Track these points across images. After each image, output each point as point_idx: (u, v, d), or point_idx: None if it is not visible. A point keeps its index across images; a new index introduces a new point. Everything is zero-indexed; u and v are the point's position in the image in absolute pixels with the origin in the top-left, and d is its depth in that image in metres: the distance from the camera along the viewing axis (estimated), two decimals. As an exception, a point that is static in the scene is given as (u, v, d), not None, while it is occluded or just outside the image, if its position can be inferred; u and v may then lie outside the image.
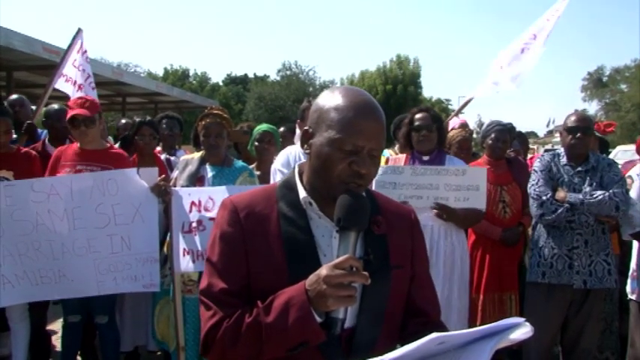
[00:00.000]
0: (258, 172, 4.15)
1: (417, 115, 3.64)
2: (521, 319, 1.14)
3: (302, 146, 1.44)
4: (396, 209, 1.55)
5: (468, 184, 3.43)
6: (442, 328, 1.45)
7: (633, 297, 3.58)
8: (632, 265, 3.63)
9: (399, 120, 4.80)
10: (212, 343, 1.34)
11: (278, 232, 1.38)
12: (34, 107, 5.12)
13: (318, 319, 1.23)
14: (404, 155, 3.81)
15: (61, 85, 5.31)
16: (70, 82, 5.26)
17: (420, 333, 1.12)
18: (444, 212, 3.41)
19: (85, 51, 5.42)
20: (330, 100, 1.37)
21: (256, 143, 4.34)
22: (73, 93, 4.96)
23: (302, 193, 1.42)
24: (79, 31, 5.41)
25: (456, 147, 4.54)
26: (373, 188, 3.46)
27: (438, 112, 3.89)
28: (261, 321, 1.26)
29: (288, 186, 1.45)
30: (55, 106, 4.70)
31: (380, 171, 3.56)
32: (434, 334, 1.06)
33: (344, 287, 1.20)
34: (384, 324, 1.40)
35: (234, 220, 1.40)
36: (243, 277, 1.36)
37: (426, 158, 3.61)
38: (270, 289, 1.31)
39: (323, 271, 1.22)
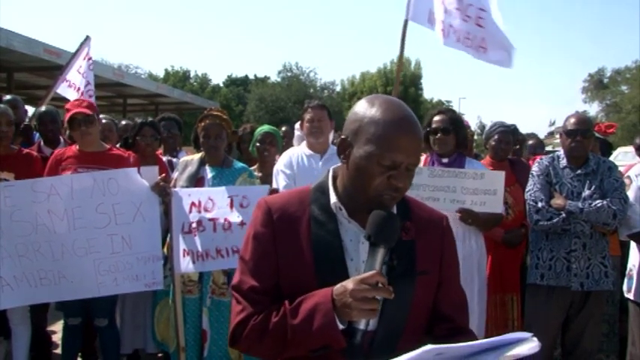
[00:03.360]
0: (259, 174, 4.15)
1: (435, 118, 3.61)
2: (527, 334, 1.13)
3: (338, 155, 1.46)
4: (428, 215, 1.56)
5: (485, 188, 3.38)
6: (468, 334, 1.47)
7: (630, 296, 3.58)
8: (629, 264, 3.63)
9: None
10: (239, 337, 1.42)
11: (308, 234, 1.43)
12: (31, 109, 5.13)
13: (341, 326, 1.29)
14: (423, 156, 3.77)
15: (63, 90, 5.32)
16: (73, 87, 5.28)
17: (445, 338, 1.14)
18: (469, 217, 3.38)
19: (90, 58, 5.43)
20: (369, 111, 1.39)
21: (257, 144, 4.34)
22: (63, 91, 5.02)
23: (333, 198, 1.46)
24: (87, 38, 5.43)
25: None
26: None
27: (459, 115, 3.82)
28: (288, 322, 1.33)
29: (321, 190, 1.49)
30: (44, 108, 4.70)
31: None
32: (428, 346, 1.06)
33: (368, 301, 1.25)
34: (406, 328, 1.42)
35: (267, 221, 1.46)
36: (273, 275, 1.43)
37: (445, 160, 3.58)
38: (298, 289, 1.37)
39: (350, 285, 1.27)
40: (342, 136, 1.45)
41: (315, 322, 1.29)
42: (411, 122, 1.38)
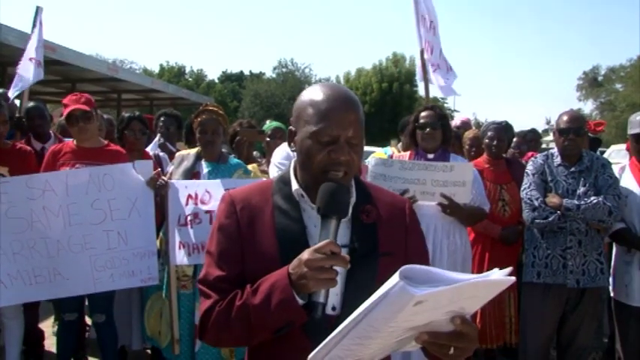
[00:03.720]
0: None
1: (423, 113, 3.64)
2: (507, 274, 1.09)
3: (289, 145, 1.51)
4: (389, 199, 1.59)
5: (454, 179, 3.42)
6: None
7: (612, 294, 3.61)
8: (612, 263, 3.66)
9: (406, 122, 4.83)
10: (207, 326, 1.42)
11: (271, 222, 1.45)
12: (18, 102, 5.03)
13: (301, 302, 1.29)
14: (408, 152, 3.80)
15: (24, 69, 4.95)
16: (33, 62, 4.94)
17: None
18: (448, 207, 3.40)
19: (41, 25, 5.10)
20: (306, 97, 1.45)
21: (268, 139, 4.38)
22: (36, 74, 4.78)
23: (294, 186, 1.49)
24: (39, 10, 5.05)
25: (467, 145, 4.57)
26: (368, 179, 3.50)
27: (444, 111, 3.87)
28: (249, 303, 1.33)
29: (284, 180, 1.53)
30: (32, 103, 4.65)
31: (372, 162, 3.58)
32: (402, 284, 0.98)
33: (324, 270, 1.24)
34: None
35: (230, 212, 1.48)
36: (238, 265, 1.44)
37: (430, 156, 3.60)
38: (263, 277, 1.36)
39: (304, 255, 1.27)
40: (289, 127, 1.50)
41: (273, 300, 1.29)
42: (344, 97, 1.41)
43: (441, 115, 3.68)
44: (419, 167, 3.46)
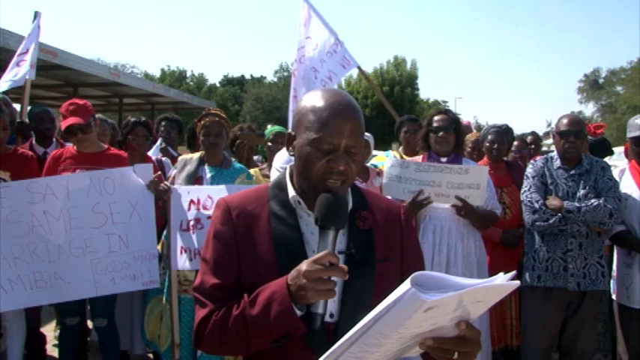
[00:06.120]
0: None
1: (436, 117, 3.66)
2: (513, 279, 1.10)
3: (287, 149, 1.50)
4: (385, 205, 1.59)
5: (469, 182, 3.44)
6: None
7: (614, 297, 3.61)
8: (614, 266, 3.66)
9: (400, 122, 4.88)
10: (203, 334, 1.41)
11: (268, 230, 1.45)
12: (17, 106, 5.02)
13: (299, 313, 1.29)
14: (421, 156, 3.82)
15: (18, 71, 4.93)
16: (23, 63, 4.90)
17: None
18: (462, 209, 3.42)
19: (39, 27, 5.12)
20: (308, 102, 1.44)
21: (269, 144, 4.38)
22: (27, 73, 4.73)
23: (291, 193, 1.48)
24: (37, 15, 5.10)
25: (469, 147, 4.59)
26: (384, 181, 3.53)
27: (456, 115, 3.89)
28: (247, 314, 1.33)
29: (279, 186, 1.52)
30: (30, 107, 4.65)
31: (388, 163, 3.60)
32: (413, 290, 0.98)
33: (323, 281, 1.24)
34: None
35: (226, 219, 1.47)
36: (235, 273, 1.43)
37: (443, 160, 3.62)
38: (260, 285, 1.36)
39: (303, 266, 1.27)
40: (288, 131, 1.50)
41: (272, 311, 1.28)
42: (345, 106, 1.40)
43: (454, 118, 3.69)
44: (434, 169, 3.48)
